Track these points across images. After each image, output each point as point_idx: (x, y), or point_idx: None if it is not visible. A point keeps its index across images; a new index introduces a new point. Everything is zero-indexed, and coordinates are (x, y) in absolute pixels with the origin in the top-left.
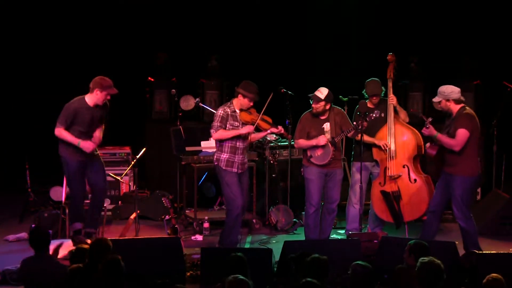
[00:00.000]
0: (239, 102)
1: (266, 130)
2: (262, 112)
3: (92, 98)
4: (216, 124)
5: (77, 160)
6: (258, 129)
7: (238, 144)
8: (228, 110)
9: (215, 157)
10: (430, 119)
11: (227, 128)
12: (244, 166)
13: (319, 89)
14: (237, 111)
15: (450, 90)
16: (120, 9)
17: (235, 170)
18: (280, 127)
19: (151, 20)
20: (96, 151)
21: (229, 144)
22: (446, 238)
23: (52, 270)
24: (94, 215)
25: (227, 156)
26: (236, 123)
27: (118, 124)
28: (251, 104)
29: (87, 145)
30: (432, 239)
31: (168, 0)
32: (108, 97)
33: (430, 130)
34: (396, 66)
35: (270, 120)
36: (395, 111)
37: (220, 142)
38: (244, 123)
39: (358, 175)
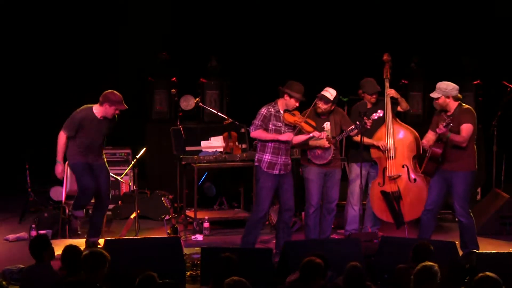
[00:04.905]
0: (285, 102)
1: (308, 133)
2: (306, 115)
3: (100, 111)
4: (257, 122)
5: (81, 161)
6: (300, 131)
7: (281, 145)
8: (272, 110)
9: (256, 157)
10: (450, 119)
11: (270, 128)
12: (287, 167)
13: (327, 89)
14: (281, 111)
15: (451, 87)
16: (120, 9)
17: (276, 172)
18: (324, 133)
19: (151, 20)
20: (104, 159)
21: (272, 145)
22: (446, 238)
23: (49, 281)
24: (97, 224)
25: (269, 158)
26: (279, 123)
27: (118, 124)
28: (297, 104)
29: (58, 170)
30: (429, 238)
31: (168, 0)
32: (117, 112)
33: (446, 130)
34: (391, 65)
35: (314, 123)
36: (397, 103)
37: (262, 143)
38: (287, 124)
39: (356, 176)
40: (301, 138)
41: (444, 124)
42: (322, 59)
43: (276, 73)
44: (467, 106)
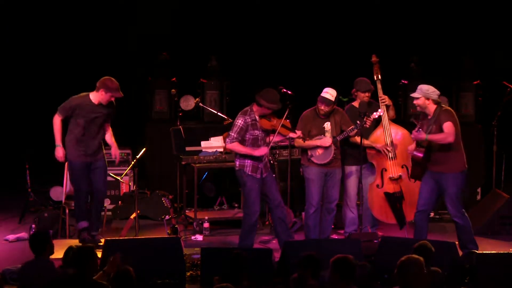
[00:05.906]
0: (262, 110)
1: (285, 136)
2: (283, 118)
3: (96, 97)
4: (233, 135)
5: (81, 161)
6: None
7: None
8: (249, 120)
9: (237, 163)
10: (420, 122)
11: (247, 138)
12: (267, 167)
13: (326, 90)
14: (257, 118)
15: (432, 90)
16: (121, 9)
17: (259, 176)
18: (299, 132)
19: (152, 20)
20: (103, 151)
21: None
22: (446, 238)
23: (48, 276)
24: (94, 218)
25: (251, 162)
26: (256, 131)
27: (118, 124)
28: (271, 111)
29: (59, 154)
30: (426, 239)
31: (168, 0)
32: (112, 99)
33: (421, 133)
34: (380, 66)
35: (289, 125)
36: (387, 110)
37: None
38: (264, 130)
39: (352, 178)
40: (275, 139)
41: (415, 130)
42: (322, 59)
43: (276, 73)
44: (446, 108)
